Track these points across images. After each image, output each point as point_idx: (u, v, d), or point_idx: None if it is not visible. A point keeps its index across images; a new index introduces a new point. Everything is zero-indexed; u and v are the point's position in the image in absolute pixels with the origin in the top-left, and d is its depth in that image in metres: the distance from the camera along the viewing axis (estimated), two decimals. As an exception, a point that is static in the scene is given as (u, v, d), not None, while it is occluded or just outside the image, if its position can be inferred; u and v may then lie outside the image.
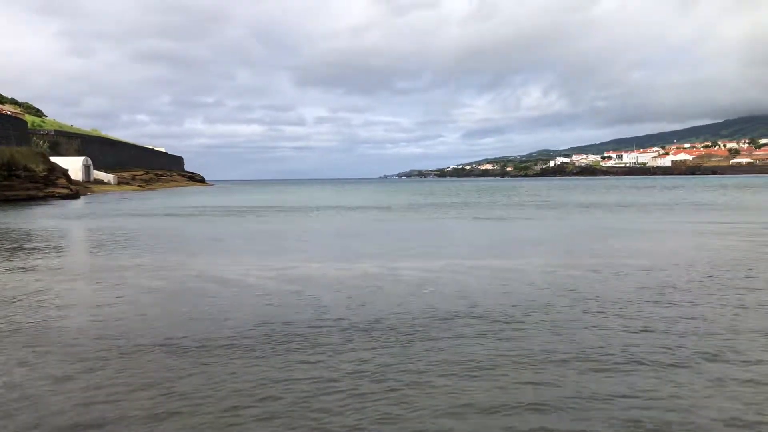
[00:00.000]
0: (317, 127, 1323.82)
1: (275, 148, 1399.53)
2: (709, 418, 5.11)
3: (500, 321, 8.40)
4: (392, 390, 5.85)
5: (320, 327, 8.20)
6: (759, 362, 6.51)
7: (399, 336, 7.72)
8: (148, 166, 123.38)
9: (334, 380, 6.13)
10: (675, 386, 5.82)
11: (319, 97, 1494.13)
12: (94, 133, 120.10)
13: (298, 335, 7.81)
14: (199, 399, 5.68)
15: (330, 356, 6.92)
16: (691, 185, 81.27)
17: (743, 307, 9.04)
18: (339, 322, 8.48)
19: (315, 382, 6.10)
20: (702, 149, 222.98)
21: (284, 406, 5.49)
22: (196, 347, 7.33)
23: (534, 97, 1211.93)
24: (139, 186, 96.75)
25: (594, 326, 8.05)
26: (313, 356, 6.94)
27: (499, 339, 7.52)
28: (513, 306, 9.29)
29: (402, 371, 6.38)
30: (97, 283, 11.98)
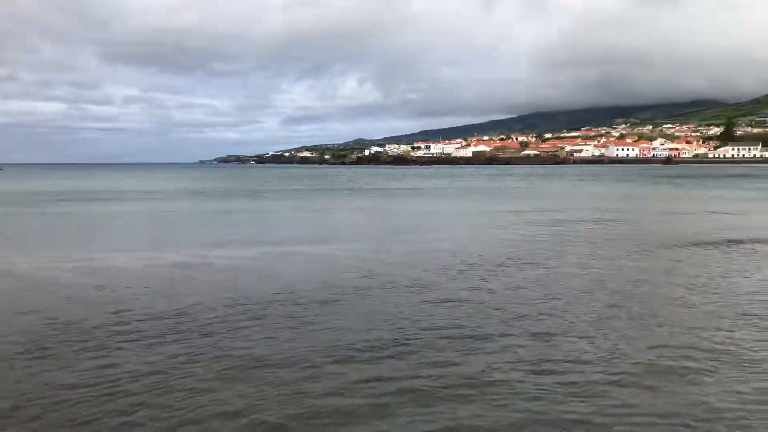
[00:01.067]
0: (127, 107, 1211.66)
1: (80, 129, 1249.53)
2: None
3: (311, 305, 8.66)
4: (201, 380, 5.78)
5: (121, 322, 7.71)
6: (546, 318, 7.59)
7: (206, 327, 7.58)
8: None
9: (133, 375, 5.85)
10: (473, 356, 6.56)
11: (129, 75, 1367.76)
12: None
13: (95, 329, 7.27)
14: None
15: (130, 352, 6.58)
16: (488, 174, 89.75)
17: (532, 281, 10.40)
18: (143, 315, 8.05)
19: (113, 377, 5.77)
20: (498, 141, 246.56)
21: (77, 409, 5.13)
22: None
23: (351, 87, 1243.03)
24: None
25: (401, 304, 8.68)
26: (108, 355, 6.53)
27: (310, 323, 7.77)
28: (324, 290, 9.61)
29: (209, 360, 6.31)
30: None
